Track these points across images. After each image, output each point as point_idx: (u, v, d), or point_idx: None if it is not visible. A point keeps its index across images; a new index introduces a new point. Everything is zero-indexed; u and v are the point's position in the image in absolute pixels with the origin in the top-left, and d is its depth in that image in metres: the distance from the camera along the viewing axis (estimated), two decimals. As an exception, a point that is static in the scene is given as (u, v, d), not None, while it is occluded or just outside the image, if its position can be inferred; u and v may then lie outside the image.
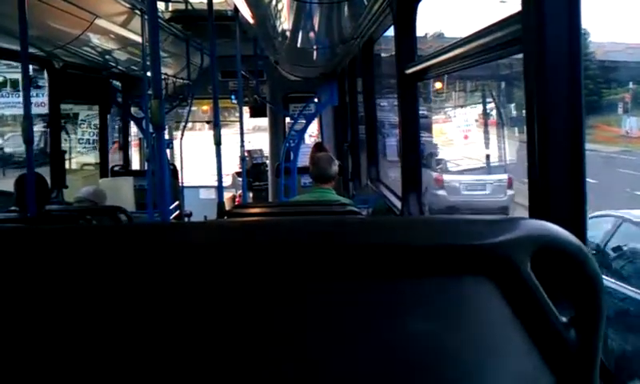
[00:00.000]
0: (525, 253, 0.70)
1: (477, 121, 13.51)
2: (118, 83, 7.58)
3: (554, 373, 0.72)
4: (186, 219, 6.77)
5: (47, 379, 0.70)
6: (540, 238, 0.71)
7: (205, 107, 11.98)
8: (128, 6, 5.05)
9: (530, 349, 0.71)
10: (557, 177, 1.43)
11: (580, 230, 1.40)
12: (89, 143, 8.47)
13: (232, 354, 0.70)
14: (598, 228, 4.94)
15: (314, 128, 9.56)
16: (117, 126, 8.61)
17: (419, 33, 3.39)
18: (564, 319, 0.72)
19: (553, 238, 0.71)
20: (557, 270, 0.72)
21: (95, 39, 5.22)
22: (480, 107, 13.54)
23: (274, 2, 3.79)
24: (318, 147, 6.66)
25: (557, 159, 1.43)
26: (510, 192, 9.88)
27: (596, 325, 0.72)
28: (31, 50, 3.97)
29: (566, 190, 1.42)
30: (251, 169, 9.91)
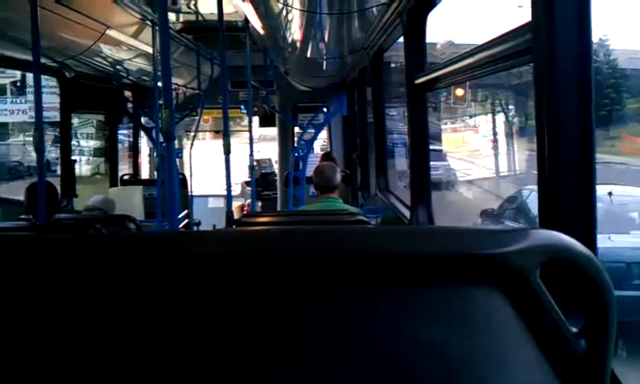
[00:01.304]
0: (534, 263, 0.69)
1: (498, 133, 13.36)
2: (128, 93, 7.63)
3: (565, 383, 0.71)
4: (195, 228, 6.79)
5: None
6: (550, 248, 0.70)
7: (206, 117, 11.76)
8: (139, 17, 5.09)
9: (540, 358, 0.71)
10: (567, 187, 1.42)
11: (590, 240, 1.39)
12: (73, 155, 7.14)
13: (239, 361, 0.70)
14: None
15: (325, 137, 9.57)
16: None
17: (430, 40, 3.40)
18: (574, 329, 0.72)
19: (563, 247, 0.71)
20: (567, 279, 0.72)
21: (106, 50, 5.26)
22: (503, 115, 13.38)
23: (284, 13, 3.80)
24: (327, 157, 6.67)
25: (567, 169, 1.43)
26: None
27: (606, 335, 0.71)
28: (43, 61, 4.01)
29: (576, 200, 1.41)
30: (260, 178, 9.92)
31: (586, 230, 1.40)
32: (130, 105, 7.52)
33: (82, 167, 7.92)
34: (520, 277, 0.69)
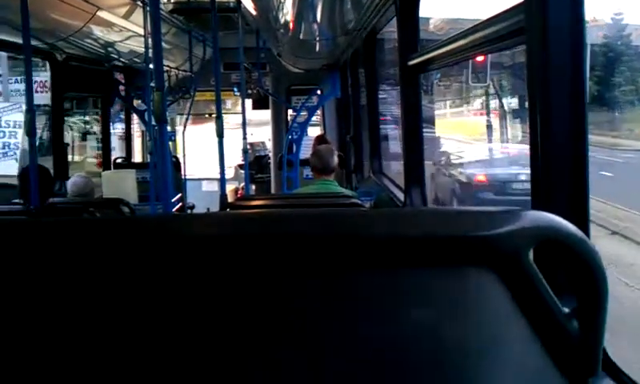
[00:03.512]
0: (527, 244, 0.70)
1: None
2: (120, 75, 7.57)
3: (557, 363, 0.72)
4: (189, 211, 6.78)
5: (53, 369, 0.70)
6: (542, 230, 0.71)
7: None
8: (130, -3, 5.04)
9: (533, 339, 0.71)
10: (559, 168, 1.43)
11: (582, 221, 1.40)
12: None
13: (234, 344, 0.70)
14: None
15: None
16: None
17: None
18: (566, 310, 0.72)
19: (555, 229, 0.71)
20: (559, 261, 0.72)
21: (97, 31, 5.20)
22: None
23: (276, -6, 3.78)
24: (320, 139, 6.65)
25: (559, 151, 1.43)
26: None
27: (598, 315, 0.72)
28: (33, 43, 3.97)
29: (568, 182, 1.42)
30: (254, 161, 9.90)
31: (579, 212, 1.41)
32: (121, 87, 7.46)
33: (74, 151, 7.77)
34: (512, 258, 0.70)
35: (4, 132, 5.98)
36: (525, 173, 8.99)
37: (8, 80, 6.91)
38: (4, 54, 6.33)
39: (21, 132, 6.23)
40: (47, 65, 6.49)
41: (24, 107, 6.53)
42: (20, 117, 6.26)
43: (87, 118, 8.29)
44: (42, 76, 6.86)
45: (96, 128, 8.79)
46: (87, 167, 7.92)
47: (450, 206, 10.74)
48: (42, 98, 6.49)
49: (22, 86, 6.89)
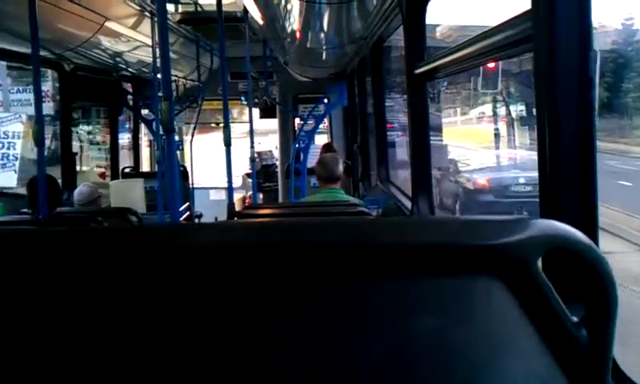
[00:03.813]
0: (535, 252, 0.70)
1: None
2: (127, 85, 7.61)
3: (566, 372, 0.71)
4: (197, 220, 6.80)
5: (63, 378, 0.70)
6: (551, 238, 0.71)
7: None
8: (138, 8, 5.07)
9: (541, 348, 0.71)
10: (567, 176, 1.42)
11: (591, 229, 1.39)
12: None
13: (243, 353, 0.70)
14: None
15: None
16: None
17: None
18: (575, 318, 0.72)
19: (563, 237, 0.71)
20: (568, 269, 0.72)
21: (105, 41, 5.24)
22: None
23: (283, 3, 3.79)
24: (327, 148, 6.66)
25: (567, 158, 1.42)
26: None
27: (607, 324, 0.72)
28: (42, 53, 4.00)
29: (576, 190, 1.41)
30: (261, 170, 9.92)
31: (587, 219, 1.40)
32: (129, 97, 7.51)
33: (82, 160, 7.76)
34: (520, 267, 0.69)
35: (2, 143, 5.86)
36: (524, 176, 9.80)
37: (10, 90, 6.89)
38: (4, 63, 6.32)
39: (20, 143, 6.09)
40: (50, 74, 6.54)
41: (24, 117, 6.53)
42: (19, 127, 6.15)
43: (90, 127, 8.31)
44: (46, 86, 6.87)
45: (99, 138, 8.83)
46: (92, 178, 7.94)
47: (454, 209, 10.84)
48: (45, 107, 6.46)
49: (23, 96, 6.87)
